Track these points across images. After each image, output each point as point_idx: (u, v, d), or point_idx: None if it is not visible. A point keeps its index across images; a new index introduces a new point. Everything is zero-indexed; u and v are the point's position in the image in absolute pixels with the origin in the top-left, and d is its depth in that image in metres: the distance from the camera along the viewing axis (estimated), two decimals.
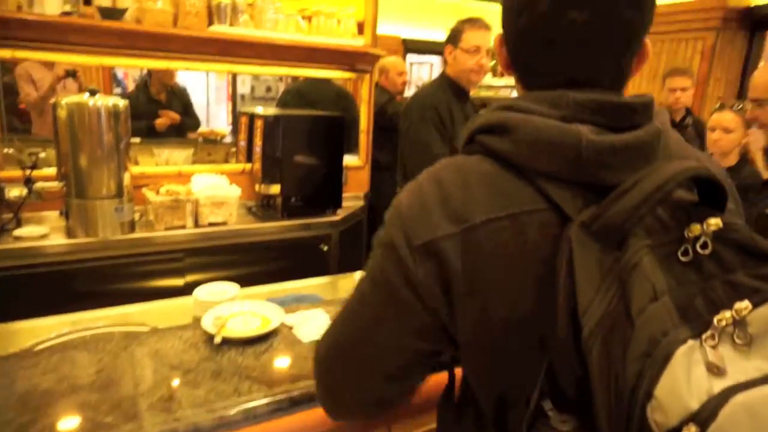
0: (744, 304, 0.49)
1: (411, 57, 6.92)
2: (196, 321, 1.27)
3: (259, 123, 2.53)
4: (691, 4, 4.54)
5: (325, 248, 2.69)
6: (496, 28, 0.74)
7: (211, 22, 2.39)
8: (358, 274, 2.05)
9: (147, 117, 3.70)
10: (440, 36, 7.15)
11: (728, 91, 4.70)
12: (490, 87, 5.30)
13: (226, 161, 3.58)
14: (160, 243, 2.28)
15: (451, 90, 2.41)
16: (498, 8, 0.71)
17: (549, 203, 0.60)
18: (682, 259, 0.54)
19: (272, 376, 0.86)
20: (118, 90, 5.18)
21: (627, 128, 0.61)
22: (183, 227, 2.32)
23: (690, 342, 0.48)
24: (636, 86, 5.03)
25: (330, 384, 0.72)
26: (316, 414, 0.87)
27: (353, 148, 3.15)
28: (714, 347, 0.48)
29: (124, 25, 2.23)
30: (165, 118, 3.73)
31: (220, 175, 2.53)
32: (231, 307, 1.07)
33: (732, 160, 2.51)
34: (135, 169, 2.44)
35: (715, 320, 0.49)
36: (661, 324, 0.50)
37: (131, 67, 4.80)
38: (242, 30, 2.42)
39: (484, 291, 0.61)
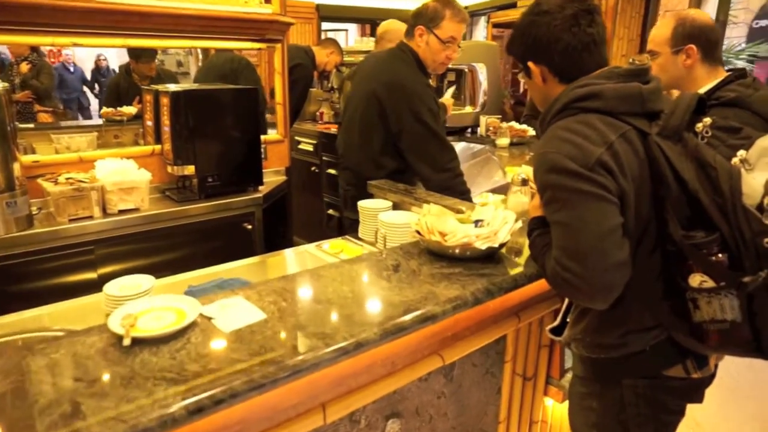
0: (742, 152, 1.04)
1: (325, 24, 6.71)
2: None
3: (165, 100, 2.37)
4: None
5: (249, 227, 2.60)
6: None
7: None
8: (286, 252, 1.99)
9: (129, 103, 3.69)
10: (357, 0, 6.92)
11: (631, 49, 4.93)
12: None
13: (137, 143, 3.36)
14: (66, 236, 2.10)
15: (422, 72, 2.25)
16: None
17: (632, 126, 1.08)
18: (702, 141, 1.08)
19: (191, 375, 0.80)
20: None
21: (647, 82, 1.13)
22: (90, 217, 2.15)
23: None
24: None
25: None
26: (240, 410, 0.83)
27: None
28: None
29: None
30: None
31: (127, 159, 2.35)
32: (140, 304, 0.99)
33: None
34: (27, 158, 2.22)
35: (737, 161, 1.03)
36: (727, 165, 1.02)
37: (14, 44, 4.53)
38: (138, 0, 2.22)
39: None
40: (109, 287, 1.38)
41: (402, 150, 2.22)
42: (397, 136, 2.20)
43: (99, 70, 6.95)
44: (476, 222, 1.32)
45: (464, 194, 2.19)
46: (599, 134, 1.06)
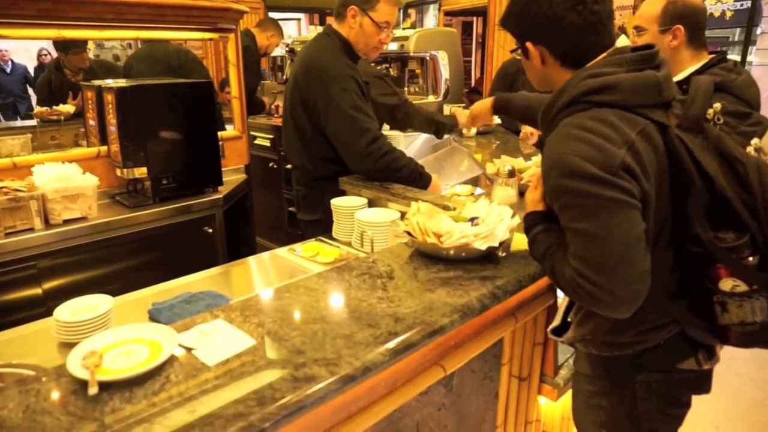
0: (756, 141, 1.04)
1: (273, 15, 6.46)
2: (63, 351, 1.04)
3: (109, 97, 2.16)
4: None
5: (210, 231, 2.43)
6: None
7: None
8: (257, 258, 1.84)
9: (63, 101, 3.46)
10: None
11: None
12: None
13: (77, 145, 3.10)
14: (3, 252, 1.88)
15: (347, 54, 2.06)
16: None
17: (649, 120, 0.98)
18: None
19: (176, 425, 0.67)
20: None
21: (657, 67, 1.03)
22: (31, 230, 1.94)
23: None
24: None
25: None
26: None
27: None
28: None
29: None
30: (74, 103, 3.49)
31: (69, 163, 2.13)
32: (104, 337, 0.84)
33: None
34: None
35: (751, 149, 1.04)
36: (754, 158, 0.98)
37: None
38: None
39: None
40: (61, 312, 1.21)
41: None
42: (320, 124, 2.02)
43: (42, 68, 6.28)
44: (471, 220, 1.22)
45: (409, 171, 1.95)
46: (619, 133, 0.95)
